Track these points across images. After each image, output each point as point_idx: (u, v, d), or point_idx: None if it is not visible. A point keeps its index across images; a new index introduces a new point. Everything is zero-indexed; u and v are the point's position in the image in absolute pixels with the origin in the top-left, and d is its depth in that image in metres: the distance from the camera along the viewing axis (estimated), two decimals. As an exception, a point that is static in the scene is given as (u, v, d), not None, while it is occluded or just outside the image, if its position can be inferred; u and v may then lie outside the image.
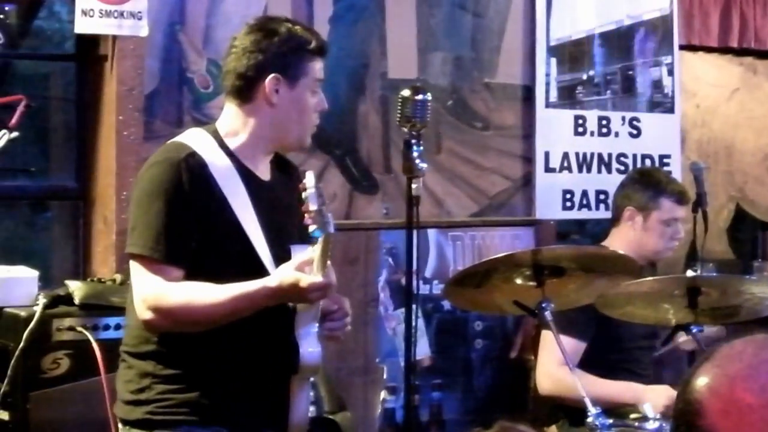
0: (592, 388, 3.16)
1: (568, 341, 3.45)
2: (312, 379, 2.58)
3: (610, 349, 3.62)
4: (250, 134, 2.53)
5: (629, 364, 3.66)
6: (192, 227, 2.41)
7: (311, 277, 2.32)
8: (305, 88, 2.54)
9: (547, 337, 3.53)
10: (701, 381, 1.21)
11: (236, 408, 2.47)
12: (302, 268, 2.34)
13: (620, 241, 3.69)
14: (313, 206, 2.28)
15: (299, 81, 2.53)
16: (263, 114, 2.53)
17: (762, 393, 1.17)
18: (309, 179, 2.32)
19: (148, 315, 2.39)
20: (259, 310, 2.39)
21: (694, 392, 1.21)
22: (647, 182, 3.78)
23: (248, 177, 2.51)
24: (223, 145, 2.51)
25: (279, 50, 2.51)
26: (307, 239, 2.43)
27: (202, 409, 2.44)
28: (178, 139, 2.55)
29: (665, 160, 4.79)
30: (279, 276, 2.36)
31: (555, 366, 3.51)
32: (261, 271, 2.43)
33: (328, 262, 2.36)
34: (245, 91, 2.53)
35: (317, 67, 2.56)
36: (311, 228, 2.30)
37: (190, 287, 2.39)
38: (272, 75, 2.50)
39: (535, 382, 3.72)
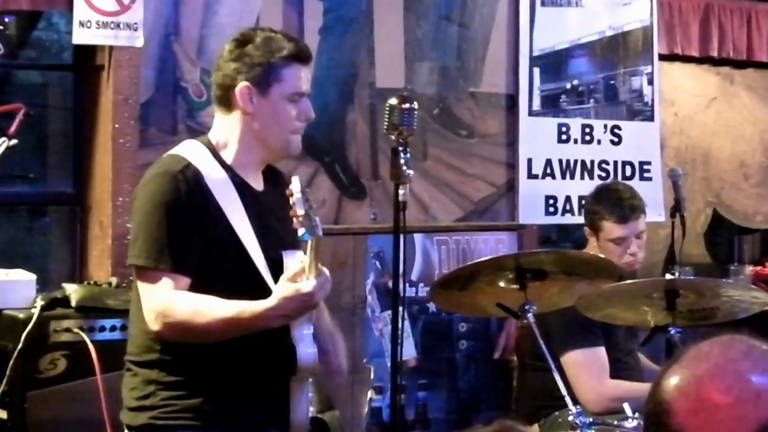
0: (638, 393, 3.23)
1: (593, 352, 3.52)
2: (310, 380, 2.59)
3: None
4: (238, 144, 2.54)
5: (618, 364, 3.67)
6: (193, 236, 2.43)
7: (309, 282, 2.35)
8: (280, 95, 2.51)
9: (572, 359, 3.54)
10: (670, 381, 1.22)
11: (238, 413, 2.49)
12: (295, 279, 2.37)
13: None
14: (300, 210, 2.32)
15: (272, 88, 2.50)
16: (243, 123, 2.53)
17: (729, 392, 1.18)
18: (295, 185, 2.34)
19: (157, 326, 2.41)
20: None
21: (664, 392, 1.22)
22: (595, 203, 3.81)
23: (242, 187, 2.53)
24: (216, 156, 2.53)
25: (250, 59, 2.50)
26: (299, 246, 2.48)
27: (204, 414, 2.46)
28: (174, 151, 2.56)
29: (645, 167, 4.85)
30: (278, 293, 2.38)
31: (598, 384, 3.52)
32: (257, 279, 2.46)
33: (320, 265, 2.39)
34: (223, 100, 2.55)
35: (294, 74, 2.52)
36: (300, 232, 2.33)
37: (197, 300, 2.41)
38: (242, 84, 2.50)
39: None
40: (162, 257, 2.41)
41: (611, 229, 3.74)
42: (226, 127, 2.57)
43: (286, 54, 2.52)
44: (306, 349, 2.47)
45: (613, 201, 3.78)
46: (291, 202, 2.34)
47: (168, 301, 2.40)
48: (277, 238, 2.56)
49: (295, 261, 2.43)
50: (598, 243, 3.77)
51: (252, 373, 2.50)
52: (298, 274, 2.37)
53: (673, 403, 1.20)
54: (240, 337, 2.43)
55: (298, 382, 2.51)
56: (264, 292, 2.43)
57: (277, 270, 2.47)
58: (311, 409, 2.62)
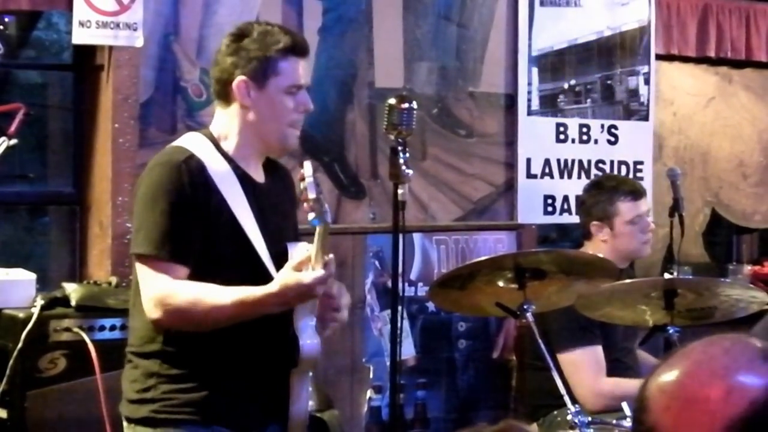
0: (635, 391, 3.22)
1: (591, 351, 3.54)
2: (311, 373, 2.59)
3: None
4: (238, 137, 2.55)
5: (617, 363, 3.69)
6: (195, 226, 2.44)
7: (313, 273, 2.35)
8: (277, 88, 2.52)
9: (570, 358, 3.56)
10: (653, 379, 1.22)
11: (239, 407, 2.49)
12: (300, 268, 2.37)
13: (595, 252, 3.68)
14: (311, 194, 2.33)
15: (269, 81, 2.52)
16: (242, 116, 2.54)
17: (701, 388, 1.16)
18: (307, 169, 2.35)
19: (156, 314, 2.42)
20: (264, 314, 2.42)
21: (645, 390, 1.21)
22: (599, 193, 3.81)
23: (244, 179, 2.54)
24: (219, 148, 2.54)
25: (246, 53, 2.52)
26: (300, 239, 2.49)
27: (205, 408, 2.47)
28: (177, 143, 2.58)
29: (639, 167, 4.85)
30: (280, 280, 2.38)
31: (595, 383, 3.54)
32: (260, 269, 2.47)
33: (325, 256, 2.39)
34: (222, 94, 2.56)
35: (291, 67, 2.53)
36: (310, 216, 2.34)
37: (197, 287, 2.41)
38: (239, 78, 2.51)
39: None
40: (163, 246, 2.42)
41: (630, 209, 3.76)
42: (225, 120, 2.58)
43: (282, 47, 2.53)
44: (308, 340, 2.47)
45: (620, 182, 3.86)
46: (302, 186, 2.35)
47: (168, 288, 2.41)
48: (280, 229, 2.57)
49: (299, 251, 2.44)
50: (613, 232, 3.76)
51: (254, 365, 2.51)
52: (304, 263, 2.38)
53: (651, 400, 1.20)
54: (242, 327, 2.43)
55: (299, 374, 2.52)
56: (266, 281, 2.44)
57: (279, 260, 2.48)
58: (310, 403, 2.62)
